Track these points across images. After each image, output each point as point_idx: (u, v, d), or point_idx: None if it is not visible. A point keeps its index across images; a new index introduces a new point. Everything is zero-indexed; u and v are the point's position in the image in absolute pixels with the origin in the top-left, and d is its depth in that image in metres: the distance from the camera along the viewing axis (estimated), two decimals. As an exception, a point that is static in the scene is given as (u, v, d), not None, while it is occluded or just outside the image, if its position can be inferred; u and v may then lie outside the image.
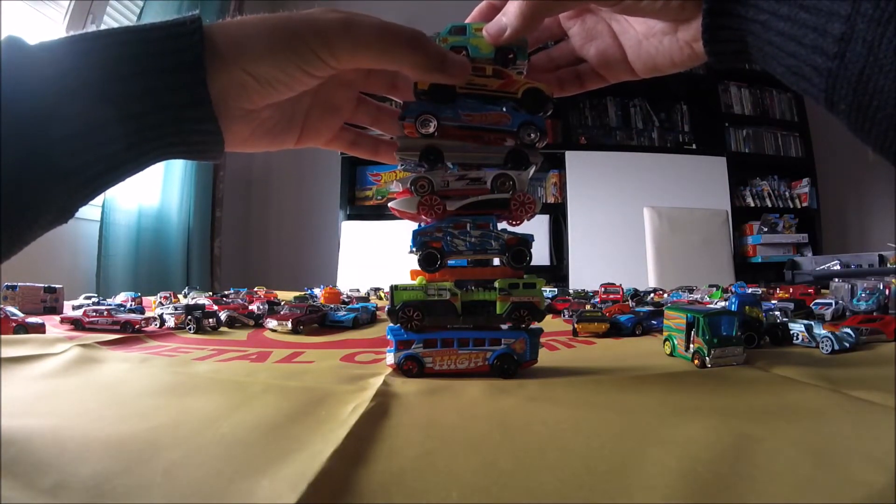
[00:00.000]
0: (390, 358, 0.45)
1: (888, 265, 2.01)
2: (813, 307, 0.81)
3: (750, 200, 3.15)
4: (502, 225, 0.48)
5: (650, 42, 0.42)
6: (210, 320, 0.77)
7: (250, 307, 0.89)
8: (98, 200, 2.00)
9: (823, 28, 0.26)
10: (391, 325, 0.47)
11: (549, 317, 0.65)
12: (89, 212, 2.02)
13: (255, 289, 1.34)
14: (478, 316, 0.46)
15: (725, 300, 0.91)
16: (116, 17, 2.21)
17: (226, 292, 1.22)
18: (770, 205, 3.16)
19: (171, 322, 0.78)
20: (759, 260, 3.06)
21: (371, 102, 0.51)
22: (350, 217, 2.90)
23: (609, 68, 0.47)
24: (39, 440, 0.28)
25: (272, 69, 0.35)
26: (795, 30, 0.28)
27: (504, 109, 0.46)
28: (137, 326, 0.74)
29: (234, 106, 0.35)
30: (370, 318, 0.89)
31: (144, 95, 0.31)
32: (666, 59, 0.42)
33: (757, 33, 0.30)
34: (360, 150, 0.51)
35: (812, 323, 0.57)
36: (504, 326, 0.47)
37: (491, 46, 0.45)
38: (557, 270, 2.85)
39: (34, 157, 0.29)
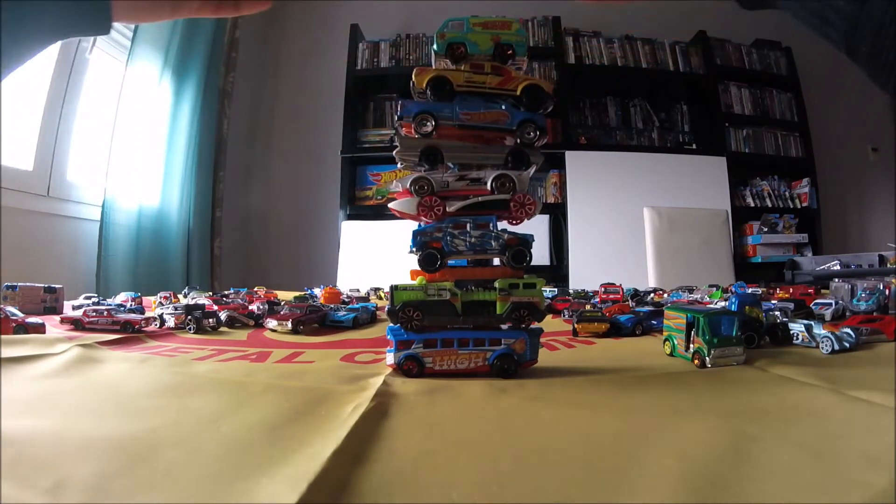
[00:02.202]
0: (390, 358, 0.45)
1: (888, 265, 2.01)
2: (813, 307, 0.81)
3: (750, 200, 3.15)
4: (502, 225, 0.48)
5: None
6: (210, 320, 0.77)
7: (250, 307, 0.89)
8: (98, 200, 2.00)
9: None
10: (391, 325, 0.47)
11: (549, 317, 0.65)
12: (89, 212, 2.02)
13: (255, 289, 1.33)
14: (478, 316, 0.46)
15: (725, 300, 0.91)
16: (116, 16, 2.21)
17: (226, 292, 1.22)
18: (770, 205, 3.16)
19: (171, 322, 0.78)
20: (759, 260, 3.05)
21: None
22: (350, 217, 2.89)
23: None
24: (39, 440, 0.28)
25: None
26: None
27: (503, 107, 0.46)
28: (137, 326, 0.74)
29: None
30: (370, 318, 0.89)
31: None
32: None
33: None
34: (224, 9, 0.49)
35: (812, 323, 0.57)
36: (504, 326, 0.47)
37: (490, 42, 0.45)
38: (557, 270, 2.85)
39: None
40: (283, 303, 0.99)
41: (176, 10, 0.48)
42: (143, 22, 0.47)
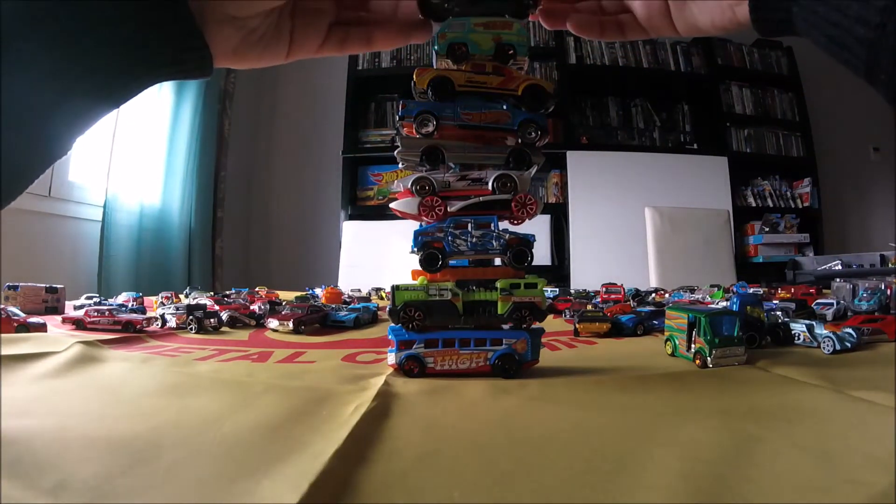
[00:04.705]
0: (392, 358, 0.45)
1: (890, 265, 2.00)
2: (814, 307, 0.81)
3: (751, 200, 3.14)
4: (504, 225, 0.48)
5: (695, 2, 0.42)
6: (211, 320, 0.77)
7: (252, 307, 0.89)
8: (99, 200, 2.00)
9: None
10: (392, 325, 0.47)
11: (550, 317, 0.65)
12: (91, 212, 2.03)
13: (257, 289, 1.34)
14: (479, 316, 0.46)
15: (727, 300, 0.91)
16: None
17: (227, 292, 1.22)
18: (771, 204, 3.15)
19: (172, 322, 0.78)
20: (761, 260, 3.05)
21: None
22: (351, 217, 2.90)
23: (652, 22, 0.46)
24: (41, 440, 0.28)
25: None
26: (840, 0, 0.28)
27: (504, 107, 0.46)
28: (139, 326, 0.74)
29: (219, 13, 0.35)
30: (371, 318, 0.89)
31: (127, 19, 0.31)
32: (707, 21, 0.42)
33: (802, 3, 0.31)
34: (353, 46, 0.47)
35: (814, 323, 0.57)
36: (505, 326, 0.47)
37: (491, 42, 0.45)
38: (559, 270, 2.85)
39: (21, 99, 0.28)
40: (284, 303, 0.99)
41: (293, 53, 0.45)
42: (254, 66, 0.43)
